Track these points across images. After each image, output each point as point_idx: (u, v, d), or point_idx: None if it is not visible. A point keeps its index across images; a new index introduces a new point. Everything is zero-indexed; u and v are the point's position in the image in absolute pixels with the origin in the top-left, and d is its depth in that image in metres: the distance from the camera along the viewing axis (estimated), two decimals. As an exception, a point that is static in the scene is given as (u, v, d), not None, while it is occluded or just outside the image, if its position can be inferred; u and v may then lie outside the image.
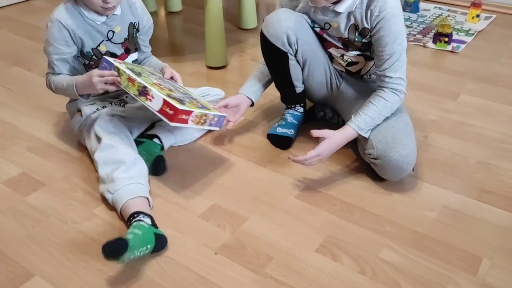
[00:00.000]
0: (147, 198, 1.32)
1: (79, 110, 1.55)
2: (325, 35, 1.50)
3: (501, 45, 2.38)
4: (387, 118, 1.43)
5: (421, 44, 2.38)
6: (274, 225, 1.29)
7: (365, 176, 1.45)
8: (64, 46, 1.43)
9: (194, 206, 1.36)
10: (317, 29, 1.50)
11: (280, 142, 1.61)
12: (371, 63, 1.54)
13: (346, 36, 1.44)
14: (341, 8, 1.38)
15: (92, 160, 1.51)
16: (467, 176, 1.47)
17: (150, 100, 1.30)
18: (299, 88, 1.60)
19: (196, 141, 1.64)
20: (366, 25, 1.39)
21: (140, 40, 1.59)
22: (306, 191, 1.41)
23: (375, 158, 1.38)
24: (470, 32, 2.51)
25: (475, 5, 2.60)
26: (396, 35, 1.35)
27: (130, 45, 1.55)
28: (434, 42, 2.37)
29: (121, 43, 1.51)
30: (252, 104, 1.62)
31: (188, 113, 1.29)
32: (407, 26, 2.60)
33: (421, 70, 2.14)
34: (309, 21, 1.48)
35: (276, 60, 1.52)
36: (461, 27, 2.56)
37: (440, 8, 2.86)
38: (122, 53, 1.53)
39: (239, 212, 1.33)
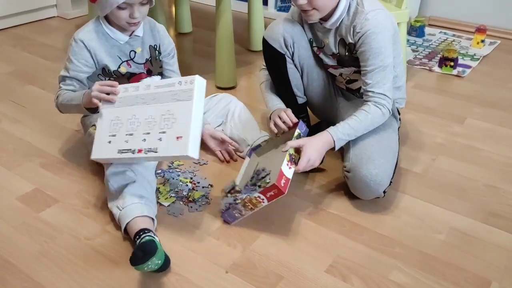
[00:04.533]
0: (153, 220, 1.32)
1: (94, 125, 1.58)
2: (321, 55, 1.57)
3: (506, 70, 2.42)
4: (370, 136, 1.45)
5: (427, 68, 2.42)
6: (284, 245, 1.30)
7: (374, 198, 1.46)
8: (83, 65, 1.49)
9: (205, 224, 1.38)
10: (315, 49, 1.58)
11: None
12: None
13: (337, 51, 1.51)
14: (328, 24, 1.46)
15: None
16: (474, 199, 1.48)
17: (289, 168, 1.32)
18: (301, 98, 1.66)
19: (206, 162, 1.66)
20: (350, 40, 1.45)
21: (164, 64, 1.64)
22: (315, 211, 1.43)
23: (347, 171, 1.43)
24: (475, 57, 2.55)
25: (480, 30, 2.65)
26: (377, 51, 1.39)
27: (154, 67, 1.61)
28: (440, 66, 2.41)
29: (143, 63, 1.58)
30: None
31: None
32: (413, 50, 2.64)
33: (427, 93, 2.17)
34: (308, 40, 1.57)
35: (275, 63, 1.59)
36: (467, 52, 2.61)
37: (445, 33, 2.91)
38: (143, 73, 1.59)
39: (250, 231, 1.35)
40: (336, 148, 1.41)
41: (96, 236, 1.33)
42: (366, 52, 1.40)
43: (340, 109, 1.65)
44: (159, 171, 1.59)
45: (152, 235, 1.22)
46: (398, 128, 1.60)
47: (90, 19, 1.55)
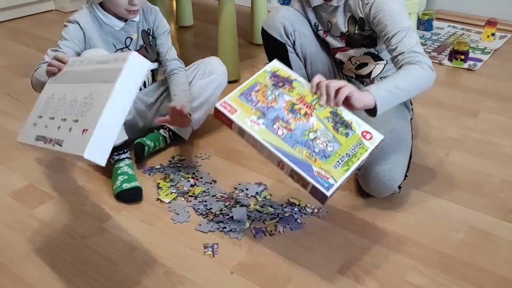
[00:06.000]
0: None
1: None
2: (328, 38, 1.50)
3: (518, 64, 2.34)
4: (380, 129, 1.35)
5: (437, 61, 2.35)
6: (293, 244, 1.23)
7: (387, 195, 1.39)
8: (75, 44, 1.42)
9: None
10: (321, 32, 1.51)
11: None
12: (381, 65, 1.50)
13: (346, 30, 1.44)
14: (334, 1, 1.40)
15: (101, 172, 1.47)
16: (492, 195, 1.41)
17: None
18: None
19: (208, 156, 1.59)
20: (360, 15, 1.38)
21: (158, 46, 1.58)
22: (326, 209, 1.35)
23: (358, 169, 1.34)
24: (486, 50, 2.47)
25: (491, 23, 2.58)
26: (394, 13, 1.29)
27: (149, 54, 1.55)
28: (450, 59, 2.33)
29: (137, 50, 1.51)
30: None
31: None
32: (422, 44, 2.57)
33: (438, 87, 2.09)
34: (312, 25, 1.51)
35: (275, 53, 1.51)
36: (477, 46, 2.53)
37: (454, 27, 2.83)
38: None
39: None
40: (378, 104, 1.15)
41: (92, 234, 1.26)
42: (382, 19, 1.30)
43: None
44: (159, 166, 1.52)
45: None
46: (411, 119, 1.53)
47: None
